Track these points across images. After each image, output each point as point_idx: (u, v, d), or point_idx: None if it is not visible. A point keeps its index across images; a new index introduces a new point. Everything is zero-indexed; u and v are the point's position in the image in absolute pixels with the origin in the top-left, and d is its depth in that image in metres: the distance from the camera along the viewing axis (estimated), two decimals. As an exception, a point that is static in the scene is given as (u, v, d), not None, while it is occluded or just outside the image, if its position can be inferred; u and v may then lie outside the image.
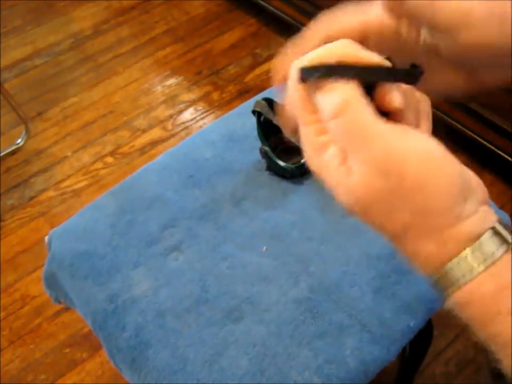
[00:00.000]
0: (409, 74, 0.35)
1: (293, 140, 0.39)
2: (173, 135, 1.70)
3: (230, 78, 1.85)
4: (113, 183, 0.88)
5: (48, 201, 1.57)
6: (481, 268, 0.31)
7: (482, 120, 1.34)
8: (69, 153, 1.68)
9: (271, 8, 1.83)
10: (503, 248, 0.32)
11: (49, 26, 2.11)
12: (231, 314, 0.69)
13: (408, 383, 1.11)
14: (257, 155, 0.83)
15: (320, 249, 0.74)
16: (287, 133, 0.38)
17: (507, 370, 0.31)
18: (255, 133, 0.82)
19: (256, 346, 0.66)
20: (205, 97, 1.80)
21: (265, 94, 0.90)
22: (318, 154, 0.34)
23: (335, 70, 0.33)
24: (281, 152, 0.82)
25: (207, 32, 2.01)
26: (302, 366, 0.64)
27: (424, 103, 0.36)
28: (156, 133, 1.71)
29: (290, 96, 0.35)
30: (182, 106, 1.78)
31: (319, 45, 0.35)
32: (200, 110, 1.76)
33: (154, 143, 1.68)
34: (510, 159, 1.33)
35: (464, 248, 0.32)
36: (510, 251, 0.32)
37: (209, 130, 0.91)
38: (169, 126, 1.73)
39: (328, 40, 0.36)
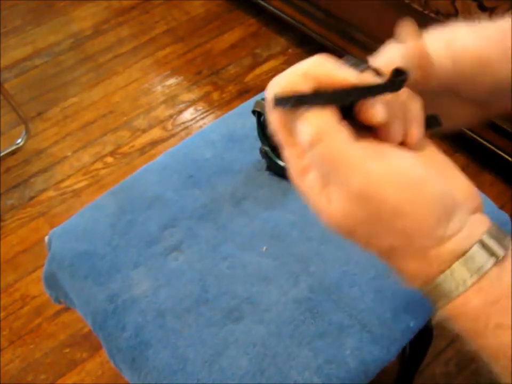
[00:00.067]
0: (392, 83, 0.33)
1: None
2: (173, 135, 1.70)
3: (230, 78, 1.85)
4: (113, 183, 0.88)
5: (48, 201, 1.57)
6: (468, 283, 0.31)
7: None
8: (69, 153, 1.68)
9: (271, 8, 1.83)
10: (492, 261, 0.31)
11: (49, 26, 2.11)
12: (231, 314, 0.69)
13: (408, 383, 1.11)
14: (257, 155, 0.83)
15: (320, 249, 0.74)
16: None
17: (501, 380, 0.31)
18: (255, 133, 0.82)
19: (256, 346, 0.66)
20: (205, 97, 1.80)
21: (265, 94, 0.90)
22: (301, 177, 0.35)
23: (308, 98, 0.32)
24: (281, 152, 0.82)
25: (207, 32, 2.01)
26: (302, 366, 0.64)
27: (413, 106, 0.35)
28: (155, 133, 1.71)
29: (271, 118, 0.35)
30: (182, 106, 1.78)
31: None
32: (200, 110, 1.76)
33: (154, 143, 1.68)
34: (510, 159, 1.33)
35: (450, 265, 0.32)
36: (501, 262, 0.31)
37: (209, 130, 0.91)
38: (169, 126, 1.73)
39: None
